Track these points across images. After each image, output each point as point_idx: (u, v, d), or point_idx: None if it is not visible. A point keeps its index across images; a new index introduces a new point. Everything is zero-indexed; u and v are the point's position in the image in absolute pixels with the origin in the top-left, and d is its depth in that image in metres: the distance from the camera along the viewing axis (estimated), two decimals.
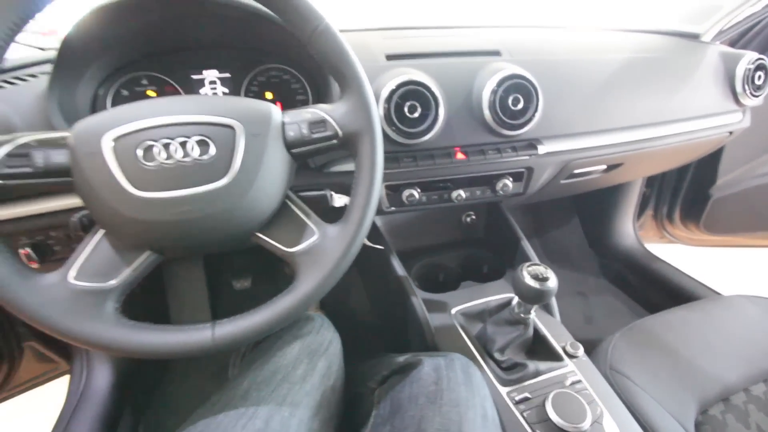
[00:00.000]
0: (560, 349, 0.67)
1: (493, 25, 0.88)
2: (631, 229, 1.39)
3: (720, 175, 1.29)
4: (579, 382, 0.61)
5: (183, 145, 0.38)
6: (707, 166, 1.27)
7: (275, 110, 0.43)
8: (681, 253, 1.43)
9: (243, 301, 1.19)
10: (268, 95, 0.67)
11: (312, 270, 0.43)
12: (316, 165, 0.63)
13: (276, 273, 1.21)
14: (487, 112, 0.66)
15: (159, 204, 0.38)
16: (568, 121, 0.74)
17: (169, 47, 0.61)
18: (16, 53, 0.59)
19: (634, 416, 0.59)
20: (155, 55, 0.61)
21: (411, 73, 0.62)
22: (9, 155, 0.36)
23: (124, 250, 0.40)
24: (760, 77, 0.88)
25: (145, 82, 0.61)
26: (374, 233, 0.92)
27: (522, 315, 0.64)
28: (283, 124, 0.43)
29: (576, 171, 0.83)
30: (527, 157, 0.72)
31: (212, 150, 0.39)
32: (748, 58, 0.86)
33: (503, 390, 0.60)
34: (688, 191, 1.37)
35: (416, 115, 0.62)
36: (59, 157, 0.37)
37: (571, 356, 0.65)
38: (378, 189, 0.44)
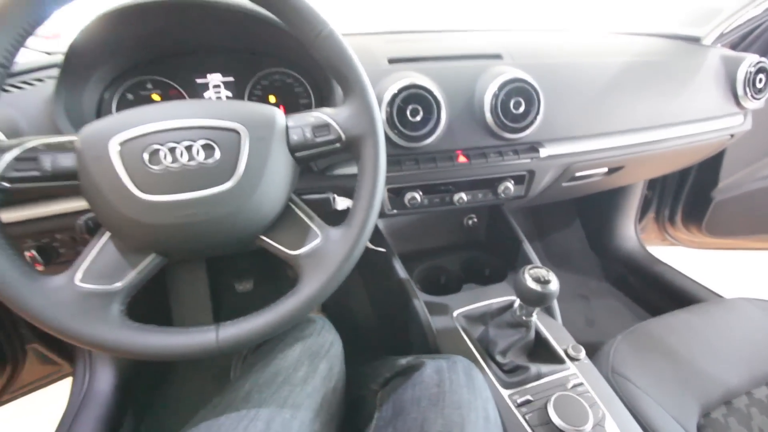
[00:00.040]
0: (562, 351, 0.67)
1: (495, 29, 0.89)
2: (632, 232, 1.39)
3: (722, 177, 1.29)
4: (581, 384, 0.61)
5: (188, 149, 0.38)
6: (709, 168, 1.27)
7: (279, 114, 0.43)
8: (683, 256, 1.43)
9: (245, 303, 1.20)
10: (272, 99, 0.67)
11: (315, 272, 0.43)
12: (319, 168, 0.64)
13: (278, 275, 1.22)
14: (488, 116, 0.67)
15: (164, 207, 0.38)
16: (569, 124, 0.75)
17: (173, 51, 0.62)
18: (22, 57, 0.60)
19: (636, 419, 0.59)
20: (160, 60, 0.62)
21: (413, 77, 0.63)
22: (17, 159, 0.36)
23: (129, 253, 0.41)
24: (761, 80, 0.88)
25: (149, 86, 0.62)
26: (376, 236, 0.92)
27: (524, 318, 0.64)
28: (287, 127, 0.43)
29: (577, 174, 0.83)
30: (529, 160, 0.72)
31: (217, 154, 0.39)
32: (749, 61, 0.86)
33: (505, 393, 0.60)
34: (690, 194, 1.37)
35: (418, 118, 0.63)
36: (66, 161, 0.38)
37: (572, 359, 0.66)
38: (381, 192, 0.44)
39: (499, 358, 0.65)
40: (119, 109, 0.61)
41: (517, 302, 0.64)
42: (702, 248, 1.47)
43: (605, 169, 0.87)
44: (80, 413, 0.85)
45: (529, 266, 0.60)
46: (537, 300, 0.58)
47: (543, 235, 1.51)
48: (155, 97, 0.63)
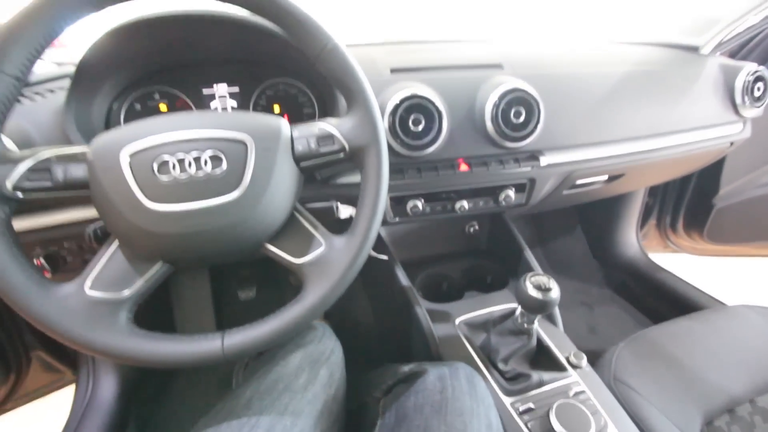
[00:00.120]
0: (564, 359, 0.67)
1: (495, 39, 0.90)
2: (634, 239, 1.39)
3: (722, 184, 1.29)
4: (583, 392, 0.62)
5: (197, 159, 0.39)
6: (709, 175, 1.28)
7: (284, 125, 0.44)
8: (685, 263, 1.43)
9: (248, 310, 1.20)
10: (276, 108, 0.68)
11: (319, 280, 0.44)
12: (323, 177, 0.65)
13: (280, 283, 1.22)
14: (489, 125, 0.67)
15: (173, 216, 0.39)
16: (569, 133, 0.76)
17: (180, 63, 0.63)
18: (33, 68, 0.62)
19: (638, 427, 0.59)
20: (167, 71, 0.63)
21: (415, 87, 0.64)
22: (30, 170, 0.38)
23: (137, 261, 0.42)
24: (759, 88, 0.89)
25: (157, 96, 0.63)
26: (379, 243, 0.93)
27: (525, 325, 0.64)
28: (292, 138, 0.44)
29: (578, 182, 0.84)
30: (529, 169, 0.73)
31: (224, 164, 0.40)
32: (747, 69, 0.87)
33: (507, 400, 0.61)
34: (691, 201, 1.37)
35: (420, 127, 0.64)
36: (78, 172, 0.39)
37: (574, 366, 0.66)
38: (383, 201, 0.45)
39: (501, 365, 0.65)
40: (127, 118, 0.62)
41: (519, 310, 0.64)
42: (704, 255, 1.47)
43: (606, 177, 0.88)
44: (83, 421, 0.85)
45: (530, 274, 0.60)
46: (538, 307, 0.58)
47: (545, 242, 1.52)
48: (162, 107, 0.64)
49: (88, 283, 0.40)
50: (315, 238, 0.46)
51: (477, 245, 1.06)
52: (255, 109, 0.67)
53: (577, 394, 0.61)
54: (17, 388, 0.99)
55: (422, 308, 0.77)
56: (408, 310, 0.78)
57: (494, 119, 0.67)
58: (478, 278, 0.99)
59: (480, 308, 0.79)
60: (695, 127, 0.87)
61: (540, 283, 0.58)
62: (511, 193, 0.76)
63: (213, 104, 0.66)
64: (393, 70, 0.70)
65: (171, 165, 0.39)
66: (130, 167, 0.38)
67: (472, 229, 1.04)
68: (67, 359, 1.01)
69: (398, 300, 0.83)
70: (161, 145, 0.39)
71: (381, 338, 1.11)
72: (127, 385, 0.93)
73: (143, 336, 0.41)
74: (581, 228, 1.48)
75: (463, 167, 0.70)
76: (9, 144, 0.46)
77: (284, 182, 0.43)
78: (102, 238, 0.48)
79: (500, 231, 0.98)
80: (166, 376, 1.07)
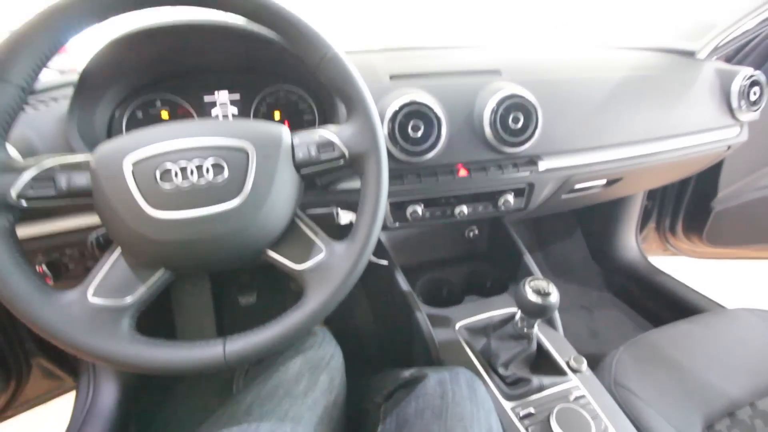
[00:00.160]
0: (564, 363, 0.67)
1: (494, 45, 0.91)
2: (633, 242, 1.40)
3: (721, 187, 1.30)
4: (583, 397, 0.62)
5: (199, 167, 0.40)
6: (708, 179, 1.28)
7: (285, 132, 0.45)
8: (685, 266, 1.43)
9: (248, 315, 1.20)
10: (277, 115, 0.69)
11: (320, 286, 0.44)
12: (323, 183, 0.65)
13: (281, 288, 1.22)
14: (488, 130, 0.68)
15: (175, 224, 0.39)
16: (567, 138, 0.76)
17: (181, 71, 0.64)
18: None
19: (638, 431, 0.59)
20: (168, 79, 0.64)
21: (414, 94, 0.65)
22: (35, 179, 0.38)
23: (139, 268, 0.42)
24: (755, 93, 0.89)
25: (158, 104, 0.64)
26: (379, 248, 0.93)
27: (525, 329, 0.64)
28: (293, 145, 0.45)
29: (576, 186, 0.85)
30: (528, 173, 0.73)
31: (226, 172, 0.40)
32: (743, 74, 0.88)
33: (507, 405, 0.61)
34: (690, 204, 1.38)
35: (419, 133, 0.64)
36: (81, 180, 0.39)
37: (575, 371, 0.66)
38: (383, 208, 0.46)
39: (501, 370, 0.65)
40: (129, 126, 0.63)
41: (519, 314, 0.64)
42: (703, 258, 1.47)
43: (604, 181, 0.89)
44: (84, 428, 0.85)
45: (530, 278, 0.60)
46: (538, 312, 0.59)
47: (545, 246, 1.52)
48: (164, 114, 0.64)
49: (90, 290, 0.40)
50: (315, 244, 0.46)
51: (477, 250, 1.06)
52: (256, 115, 0.68)
53: (577, 398, 0.61)
54: (18, 395, 0.99)
55: (422, 313, 0.77)
56: (408, 315, 0.78)
57: (493, 125, 0.67)
58: (478, 283, 0.99)
59: (480, 313, 0.79)
60: (692, 131, 0.87)
61: (539, 287, 0.58)
62: (510, 197, 0.77)
63: (214, 111, 0.66)
64: (392, 77, 0.70)
65: (173, 173, 0.39)
66: (133, 175, 0.39)
67: (471, 234, 1.04)
68: (68, 366, 1.01)
69: (398, 305, 0.83)
70: (164, 153, 0.39)
71: (381, 343, 1.11)
72: (127, 392, 0.93)
73: (145, 343, 0.41)
74: (581, 232, 1.48)
75: (462, 172, 0.70)
76: (13, 153, 0.47)
77: (285, 189, 0.43)
78: (104, 245, 0.48)
79: (500, 235, 0.99)
80: (166, 383, 1.07)
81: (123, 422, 0.89)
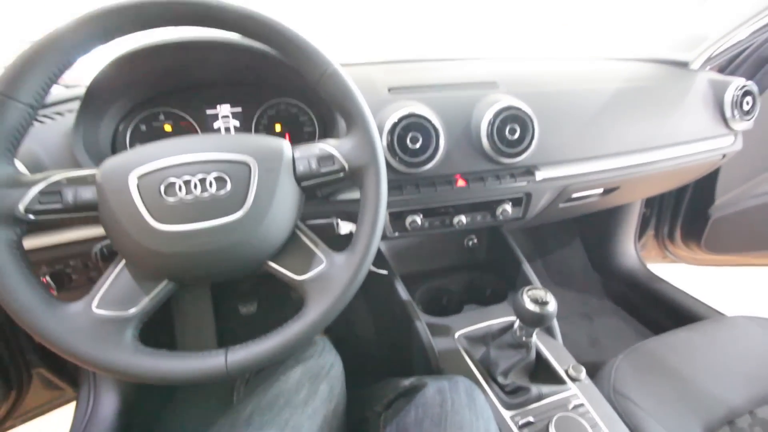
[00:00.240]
0: (563, 372, 0.67)
1: (490, 57, 0.92)
2: (633, 250, 1.40)
3: (718, 195, 1.31)
4: (582, 405, 0.62)
5: (202, 181, 0.41)
6: (705, 186, 1.29)
7: (286, 146, 0.46)
8: (684, 273, 1.44)
9: (249, 325, 1.20)
10: (278, 127, 0.70)
11: (320, 297, 0.45)
12: (323, 194, 0.66)
13: (281, 298, 1.23)
14: (485, 142, 0.69)
15: (178, 236, 0.40)
16: (563, 148, 0.77)
17: (184, 85, 0.65)
18: None
19: None
20: (171, 93, 0.65)
21: (412, 106, 0.66)
22: (42, 193, 0.39)
23: (143, 280, 0.43)
24: (748, 102, 0.91)
25: (162, 117, 0.65)
26: (378, 258, 0.94)
27: (524, 338, 0.65)
28: (294, 159, 0.46)
29: (574, 195, 0.86)
30: (525, 183, 0.75)
31: (228, 185, 0.41)
32: (735, 84, 0.90)
33: (507, 414, 0.61)
34: (688, 211, 1.39)
35: (418, 145, 0.65)
36: (87, 194, 0.40)
37: (573, 379, 0.66)
38: (382, 219, 0.46)
39: (500, 379, 0.65)
40: (133, 139, 0.64)
41: (517, 323, 0.65)
42: (702, 265, 1.47)
43: (601, 190, 0.90)
44: None
45: (528, 287, 0.61)
46: (536, 321, 0.59)
47: (544, 255, 1.53)
48: (167, 127, 0.66)
49: (95, 301, 0.41)
50: (316, 255, 0.47)
51: (476, 259, 1.07)
52: (257, 128, 0.69)
53: (576, 407, 0.62)
54: (18, 405, 0.99)
55: (422, 322, 0.77)
56: (408, 324, 0.79)
57: (490, 136, 0.68)
58: (478, 291, 1.00)
59: (479, 321, 0.79)
60: (687, 141, 0.89)
61: (537, 296, 0.59)
62: (508, 207, 0.78)
63: (216, 124, 0.67)
64: (391, 90, 0.72)
65: (177, 187, 0.40)
66: (138, 189, 0.40)
67: (471, 243, 1.05)
68: (68, 376, 1.01)
69: (398, 314, 0.84)
70: (168, 167, 0.41)
71: (381, 352, 1.11)
72: (127, 402, 0.93)
73: (148, 353, 0.42)
74: (580, 240, 1.49)
75: (461, 183, 0.71)
76: (21, 168, 0.48)
77: (286, 202, 0.44)
78: (108, 256, 0.49)
79: (499, 244, 1.00)
80: (166, 392, 1.07)
81: None
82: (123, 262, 0.43)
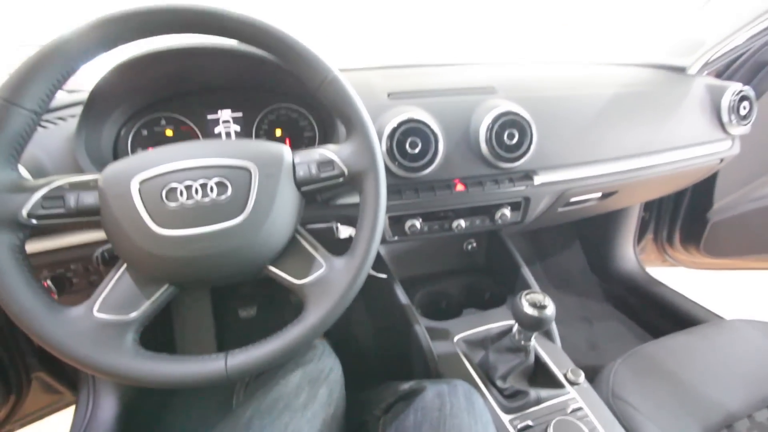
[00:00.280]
0: (561, 376, 0.68)
1: (489, 62, 0.93)
2: (632, 254, 1.41)
3: (716, 199, 1.31)
4: (580, 409, 0.62)
5: (203, 186, 0.41)
6: (703, 190, 1.30)
7: (287, 151, 0.47)
8: (683, 276, 1.44)
9: (248, 328, 1.20)
10: (278, 132, 0.71)
11: (320, 301, 0.45)
12: (323, 198, 0.66)
13: (281, 301, 1.23)
14: (484, 146, 0.70)
15: (180, 241, 0.41)
16: (562, 153, 0.78)
17: (185, 91, 0.66)
18: None
19: None
20: (172, 98, 0.66)
21: (412, 111, 0.66)
22: (44, 197, 0.40)
23: (144, 284, 0.43)
24: (744, 107, 0.91)
25: (163, 122, 0.66)
26: (378, 262, 0.94)
27: (522, 342, 0.65)
28: (294, 164, 0.46)
29: (572, 199, 0.86)
30: (524, 188, 0.75)
31: (229, 190, 0.42)
32: (732, 89, 0.90)
33: (505, 418, 0.61)
34: (687, 215, 1.39)
35: (417, 150, 0.66)
36: (89, 199, 0.41)
37: (572, 383, 0.66)
38: (381, 224, 0.47)
39: (499, 383, 0.66)
40: (134, 143, 0.64)
41: (516, 327, 0.65)
42: (701, 268, 1.48)
43: (599, 194, 0.90)
44: None
45: (526, 291, 0.62)
46: (534, 324, 0.59)
47: (544, 258, 1.53)
48: (168, 132, 0.66)
49: (96, 305, 0.41)
50: (316, 259, 0.47)
51: (475, 263, 1.07)
52: (258, 132, 0.70)
53: (574, 410, 0.62)
54: (17, 409, 0.99)
55: (421, 326, 0.77)
56: (407, 328, 0.79)
57: (488, 141, 0.69)
58: (477, 295, 1.00)
59: (478, 325, 0.80)
60: (685, 145, 0.89)
61: (535, 300, 0.59)
62: (507, 211, 0.78)
63: (217, 129, 0.68)
64: (390, 95, 0.72)
65: (179, 192, 0.41)
66: (140, 194, 0.40)
67: (470, 247, 1.05)
68: (67, 380, 1.01)
69: (397, 318, 0.84)
70: (170, 173, 0.41)
71: (380, 356, 1.11)
72: (126, 406, 0.93)
73: (149, 357, 0.42)
74: (579, 243, 1.49)
75: (460, 187, 0.72)
76: (24, 173, 0.48)
77: (286, 206, 0.45)
78: (109, 260, 0.49)
79: (498, 248, 1.00)
80: (166, 396, 1.07)
81: None
82: (124, 266, 0.43)
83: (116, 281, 0.43)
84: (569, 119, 0.79)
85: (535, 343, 0.67)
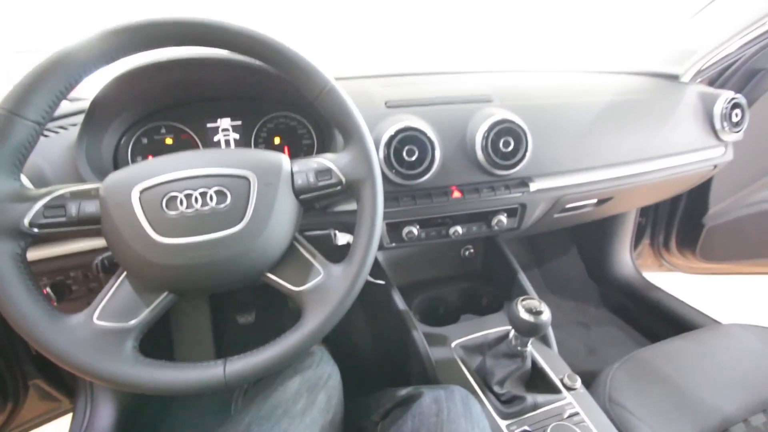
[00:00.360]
0: (558, 381, 0.68)
1: (485, 70, 0.94)
2: (628, 259, 1.41)
3: (711, 204, 1.33)
4: (577, 414, 0.62)
5: (203, 195, 0.42)
6: (698, 196, 1.31)
7: (285, 160, 0.47)
8: (680, 281, 1.45)
9: (247, 335, 1.20)
10: (277, 140, 0.71)
11: (318, 308, 0.46)
12: (321, 206, 0.67)
13: (279, 308, 1.23)
14: (480, 154, 0.71)
15: (179, 249, 0.41)
16: (557, 160, 0.79)
17: (185, 100, 0.67)
18: None
19: None
20: (172, 107, 0.66)
21: (409, 120, 0.67)
22: (46, 206, 0.40)
23: (144, 292, 0.44)
24: (737, 115, 0.93)
25: (163, 131, 0.66)
26: (375, 268, 0.95)
27: (519, 348, 0.66)
28: (292, 173, 0.47)
29: (568, 205, 0.87)
30: (520, 194, 0.76)
31: (229, 199, 0.43)
32: (724, 97, 0.92)
33: (503, 423, 0.61)
34: (683, 220, 1.40)
35: (414, 158, 0.67)
36: (91, 207, 0.41)
37: (569, 388, 0.67)
38: (378, 231, 0.48)
39: (496, 388, 0.66)
40: (134, 152, 0.65)
41: (512, 332, 0.66)
42: (698, 273, 1.49)
43: (594, 201, 0.91)
44: None
45: (522, 297, 0.62)
46: (530, 330, 0.60)
47: (541, 264, 1.53)
48: (168, 140, 0.67)
49: (96, 313, 0.42)
50: (314, 266, 0.48)
51: (472, 269, 1.08)
52: (257, 141, 0.71)
53: (571, 415, 0.62)
54: (14, 416, 0.99)
55: (419, 332, 0.78)
56: (405, 334, 0.80)
57: (484, 149, 0.70)
58: (474, 301, 1.01)
59: (476, 331, 0.80)
60: (678, 152, 0.90)
61: (531, 306, 0.60)
62: (503, 217, 0.79)
63: (216, 137, 0.69)
64: (388, 104, 0.73)
65: (179, 200, 0.41)
66: (140, 203, 0.41)
67: (467, 253, 1.06)
68: (65, 387, 1.01)
69: (395, 324, 0.84)
70: (170, 182, 0.42)
71: (378, 362, 1.12)
72: (124, 413, 0.93)
73: (148, 364, 0.42)
74: (576, 249, 1.50)
75: (456, 194, 0.72)
76: (26, 182, 0.49)
77: (284, 215, 0.46)
78: (109, 268, 0.50)
79: (495, 254, 1.01)
80: (164, 403, 1.07)
81: None
82: (124, 274, 0.44)
83: (116, 289, 0.43)
84: (564, 127, 0.80)
85: (532, 349, 0.68)
